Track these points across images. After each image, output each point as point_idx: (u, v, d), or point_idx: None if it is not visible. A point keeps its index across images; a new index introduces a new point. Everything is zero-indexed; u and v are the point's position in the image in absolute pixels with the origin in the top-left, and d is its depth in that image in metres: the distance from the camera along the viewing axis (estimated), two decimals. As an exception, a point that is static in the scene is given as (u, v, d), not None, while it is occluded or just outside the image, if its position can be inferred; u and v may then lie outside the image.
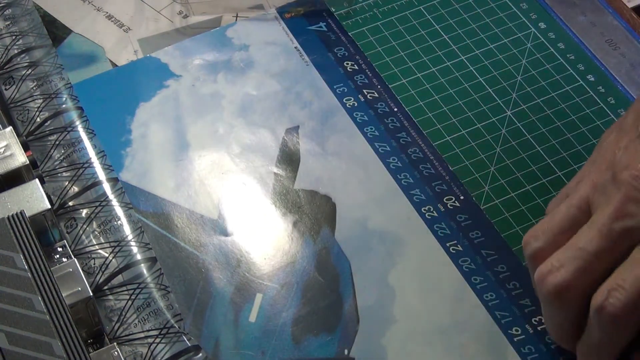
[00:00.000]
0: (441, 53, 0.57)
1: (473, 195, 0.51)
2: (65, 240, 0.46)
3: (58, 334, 0.39)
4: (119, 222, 0.47)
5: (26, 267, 0.41)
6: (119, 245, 0.45)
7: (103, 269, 0.45)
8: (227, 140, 0.53)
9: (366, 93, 0.55)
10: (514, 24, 0.59)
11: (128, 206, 0.47)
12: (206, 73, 0.56)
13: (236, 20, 0.59)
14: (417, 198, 0.51)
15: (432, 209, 0.50)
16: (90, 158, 0.49)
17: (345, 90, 0.55)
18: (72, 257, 0.45)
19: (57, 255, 0.46)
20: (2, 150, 0.48)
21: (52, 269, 0.43)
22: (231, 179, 0.51)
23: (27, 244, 0.42)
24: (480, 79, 0.56)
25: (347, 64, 0.57)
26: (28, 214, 0.45)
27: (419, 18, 0.59)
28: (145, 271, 0.45)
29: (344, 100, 0.55)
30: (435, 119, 0.54)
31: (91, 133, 0.50)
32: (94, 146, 0.49)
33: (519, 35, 0.58)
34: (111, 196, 0.47)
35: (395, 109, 0.54)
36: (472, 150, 0.53)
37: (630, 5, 0.60)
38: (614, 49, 0.57)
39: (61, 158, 0.49)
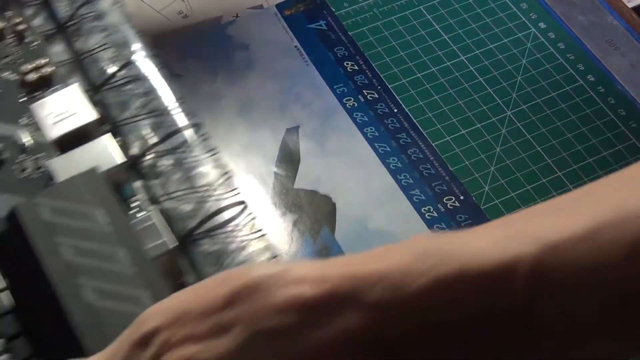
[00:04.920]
0: (441, 53, 0.57)
1: (473, 195, 0.51)
2: (145, 192, 0.45)
3: (146, 286, 0.39)
4: (204, 168, 0.46)
5: (108, 221, 0.41)
6: (205, 191, 0.44)
7: (189, 217, 0.43)
8: (227, 140, 0.53)
9: (366, 93, 0.55)
10: (514, 24, 0.59)
11: (213, 151, 0.46)
12: (206, 73, 0.56)
13: (236, 19, 0.59)
14: (417, 198, 0.51)
15: (432, 209, 0.50)
16: (168, 106, 0.47)
17: (345, 91, 0.55)
18: (154, 208, 0.44)
19: (137, 208, 0.45)
20: (73, 106, 0.47)
21: (133, 222, 0.42)
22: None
23: (107, 199, 0.42)
24: (480, 79, 0.56)
25: (347, 64, 0.57)
26: (104, 168, 0.44)
27: (419, 18, 0.59)
28: (234, 215, 0.44)
29: (344, 101, 0.55)
30: (435, 119, 0.54)
31: (169, 79, 0.48)
32: (173, 92, 0.48)
33: (519, 35, 0.58)
34: (194, 142, 0.46)
35: (395, 110, 0.54)
36: (472, 150, 0.53)
37: (630, 5, 0.60)
38: (614, 49, 0.57)
39: (139, 107, 0.48)
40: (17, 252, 0.41)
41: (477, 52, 0.57)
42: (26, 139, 0.47)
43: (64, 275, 0.39)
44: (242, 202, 0.45)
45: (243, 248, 0.43)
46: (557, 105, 0.55)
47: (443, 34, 0.58)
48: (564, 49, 0.58)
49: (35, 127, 0.47)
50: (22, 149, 0.47)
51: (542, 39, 0.58)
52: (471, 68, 0.57)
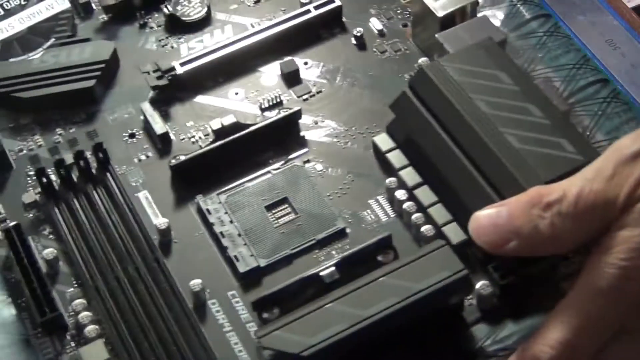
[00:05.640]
0: (441, 53, 0.57)
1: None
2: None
3: (564, 135, 0.42)
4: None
5: (513, 82, 0.45)
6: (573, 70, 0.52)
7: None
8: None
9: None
10: (514, 24, 0.59)
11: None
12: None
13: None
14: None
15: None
16: None
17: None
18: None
19: None
20: None
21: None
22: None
23: (506, 63, 0.46)
24: (480, 79, 0.56)
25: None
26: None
27: (419, 18, 0.59)
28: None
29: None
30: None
31: None
32: None
33: (519, 35, 0.58)
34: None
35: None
36: (472, 150, 0.53)
37: (630, 5, 0.60)
38: (614, 49, 0.57)
39: None
40: (425, 109, 0.45)
41: (477, 52, 0.57)
42: (379, 27, 0.55)
43: (486, 124, 0.43)
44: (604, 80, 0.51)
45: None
46: (557, 105, 0.55)
47: (443, 34, 0.58)
48: (564, 48, 0.58)
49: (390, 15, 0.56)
50: (382, 33, 0.55)
51: (542, 39, 0.58)
52: (471, 68, 0.57)
